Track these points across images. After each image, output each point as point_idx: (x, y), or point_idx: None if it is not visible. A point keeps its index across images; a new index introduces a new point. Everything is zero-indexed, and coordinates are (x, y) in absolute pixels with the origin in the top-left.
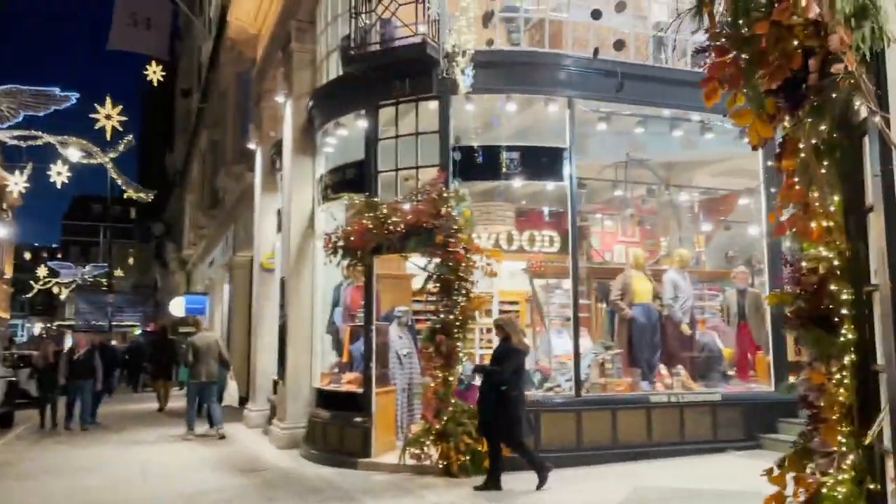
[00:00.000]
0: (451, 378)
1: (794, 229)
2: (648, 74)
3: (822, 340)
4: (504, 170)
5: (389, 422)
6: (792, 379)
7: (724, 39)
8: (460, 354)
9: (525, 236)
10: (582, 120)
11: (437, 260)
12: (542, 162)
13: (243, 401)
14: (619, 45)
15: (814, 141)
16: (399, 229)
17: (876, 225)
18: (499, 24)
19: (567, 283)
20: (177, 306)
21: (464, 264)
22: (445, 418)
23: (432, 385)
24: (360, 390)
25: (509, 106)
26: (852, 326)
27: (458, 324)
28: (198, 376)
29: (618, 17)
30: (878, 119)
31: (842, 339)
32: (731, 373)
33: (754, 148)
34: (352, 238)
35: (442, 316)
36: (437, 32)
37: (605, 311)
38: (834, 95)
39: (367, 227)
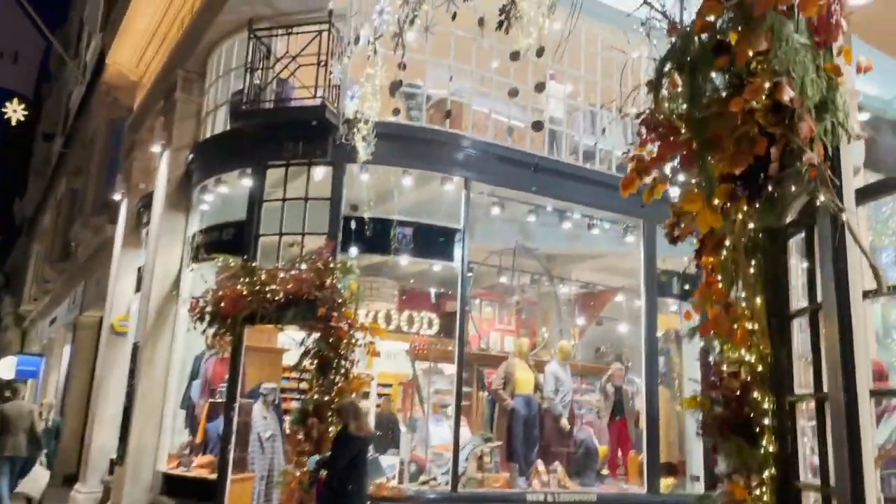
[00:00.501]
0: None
1: (713, 331)
2: (544, 166)
3: (742, 451)
4: (395, 245)
5: None
6: (672, 484)
7: (673, 120)
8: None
9: (404, 316)
10: (476, 203)
11: (317, 335)
12: (434, 240)
13: (72, 480)
14: (511, 131)
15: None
16: (277, 298)
17: (828, 331)
18: (400, 100)
19: (450, 369)
20: (6, 367)
21: (345, 341)
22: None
23: (297, 474)
24: (213, 476)
25: (406, 180)
26: (773, 438)
27: (333, 406)
28: (1, 449)
29: (516, 109)
30: (844, 216)
31: (762, 451)
32: (605, 472)
33: (672, 241)
34: (223, 304)
35: (316, 396)
36: (337, 97)
37: (486, 400)
38: (793, 189)
39: (241, 293)
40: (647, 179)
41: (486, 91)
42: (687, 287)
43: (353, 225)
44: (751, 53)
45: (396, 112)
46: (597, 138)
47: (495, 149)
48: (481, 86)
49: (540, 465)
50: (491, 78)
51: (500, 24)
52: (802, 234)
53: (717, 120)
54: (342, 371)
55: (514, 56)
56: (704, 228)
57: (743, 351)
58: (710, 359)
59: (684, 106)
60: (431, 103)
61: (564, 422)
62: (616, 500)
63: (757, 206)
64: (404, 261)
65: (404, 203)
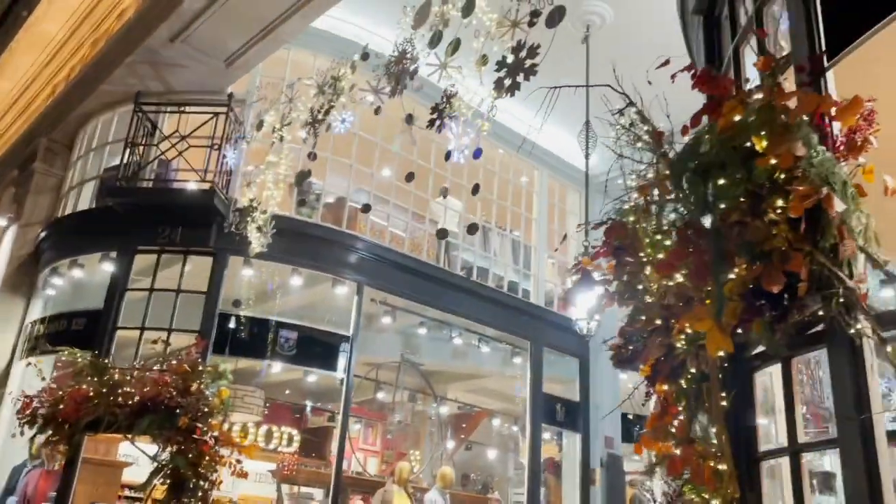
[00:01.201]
0: None
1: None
2: (440, 277)
3: None
4: (276, 349)
5: None
6: None
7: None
8: None
9: (262, 431)
10: (364, 310)
11: (173, 448)
12: (319, 347)
13: None
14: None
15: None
16: (131, 403)
17: (849, 476)
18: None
19: (320, 494)
20: None
21: (208, 458)
22: None
23: None
24: None
25: (294, 279)
26: None
27: None
28: None
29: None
30: (888, 349)
31: None
32: None
33: (619, 365)
34: (62, 405)
35: None
36: (227, 184)
37: None
38: (821, 313)
39: (86, 395)
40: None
41: (385, 197)
42: (565, 415)
43: (229, 324)
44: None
45: (302, 203)
46: (489, 255)
47: (392, 255)
48: (380, 192)
49: None
50: (391, 184)
51: (432, 122)
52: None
53: (741, 230)
54: (200, 493)
55: (409, 177)
56: (714, 351)
57: (706, 495)
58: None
59: (670, 217)
60: (326, 203)
61: None
62: None
63: (768, 328)
64: (277, 368)
65: (288, 304)
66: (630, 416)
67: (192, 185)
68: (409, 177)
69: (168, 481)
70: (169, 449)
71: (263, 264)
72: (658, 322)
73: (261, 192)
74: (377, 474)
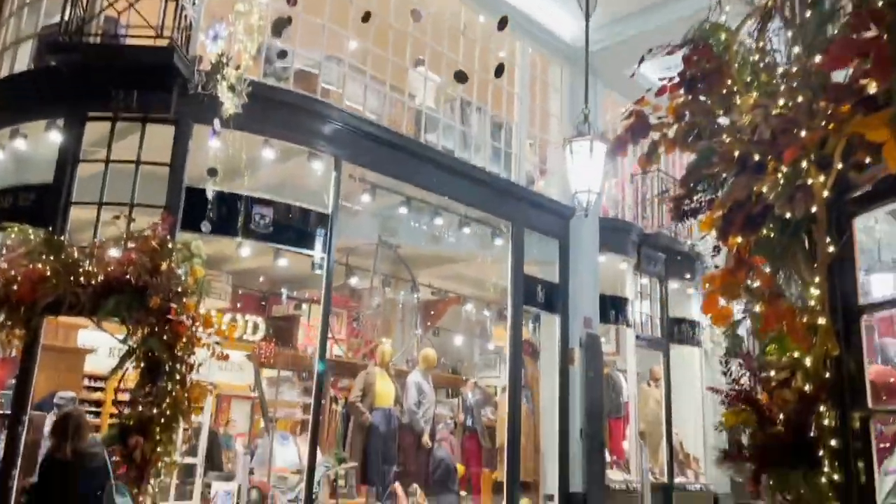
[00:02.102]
0: (141, 498)
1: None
2: (420, 153)
3: (800, 481)
4: (250, 227)
5: None
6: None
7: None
8: (161, 463)
9: (226, 319)
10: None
11: (145, 331)
12: (297, 225)
13: None
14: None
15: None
16: (95, 283)
17: None
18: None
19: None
20: None
21: (185, 341)
22: None
23: None
24: None
25: (266, 152)
26: (837, 464)
27: (163, 420)
28: None
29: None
30: None
31: (823, 481)
32: (463, 493)
33: (681, 217)
34: (16, 287)
35: (141, 409)
36: (187, 41)
37: (341, 414)
38: None
39: (43, 274)
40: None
41: (361, 67)
42: (549, 297)
43: (198, 199)
44: None
45: (283, 55)
46: (469, 129)
47: (370, 127)
48: (356, 61)
49: (398, 488)
50: (368, 50)
51: None
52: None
53: None
54: (178, 377)
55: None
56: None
57: (797, 354)
58: (733, 365)
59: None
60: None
61: (426, 438)
62: None
63: None
64: (245, 251)
65: (261, 180)
66: (617, 298)
67: (147, 43)
68: (366, 17)
69: (141, 365)
70: (140, 332)
71: (232, 135)
72: (742, 162)
73: (230, 47)
74: (355, 358)
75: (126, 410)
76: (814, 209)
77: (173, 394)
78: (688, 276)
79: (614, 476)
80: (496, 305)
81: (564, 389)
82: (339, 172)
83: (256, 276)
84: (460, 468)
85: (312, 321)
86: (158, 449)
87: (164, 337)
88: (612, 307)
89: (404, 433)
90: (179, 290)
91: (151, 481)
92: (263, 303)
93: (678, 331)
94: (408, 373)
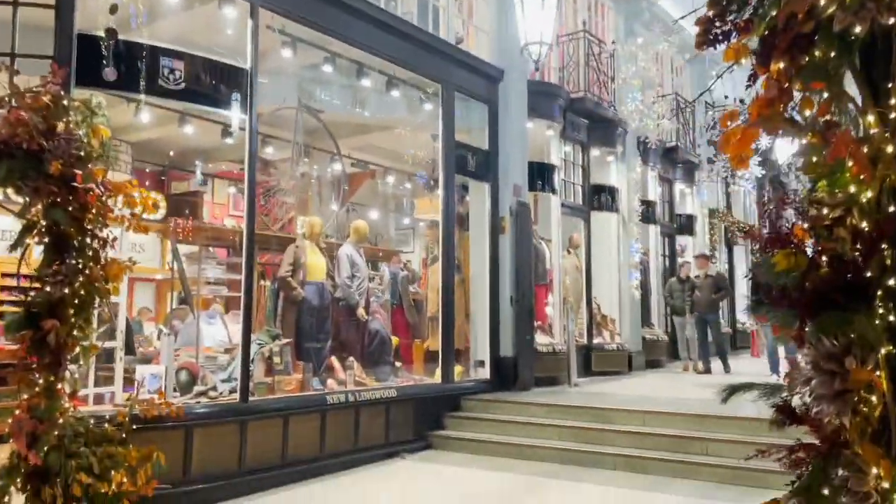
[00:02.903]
0: (59, 385)
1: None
2: (344, 1)
3: (856, 323)
4: (158, 82)
5: None
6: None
7: None
8: (78, 349)
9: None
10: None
11: (47, 200)
12: (214, 82)
13: None
14: None
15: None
16: None
17: None
18: None
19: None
20: None
21: (95, 211)
22: (47, 447)
23: (25, 398)
24: None
25: None
26: (892, 304)
27: (77, 301)
28: None
29: None
30: None
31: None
32: (398, 364)
33: (712, 42)
34: None
35: (49, 289)
36: None
37: (270, 290)
38: None
39: None
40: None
41: None
42: (480, 167)
43: (93, 48)
44: None
45: None
46: None
47: None
48: None
49: (335, 361)
50: None
51: None
52: None
53: None
54: (90, 254)
55: None
56: None
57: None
58: (771, 200)
59: None
60: None
61: (361, 311)
62: (412, 393)
63: None
64: (146, 118)
65: (166, 30)
66: (545, 165)
67: None
68: None
69: (45, 240)
70: (41, 202)
71: None
72: None
73: None
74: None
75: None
76: (893, 20)
77: (86, 272)
78: (609, 143)
79: (540, 340)
80: (421, 177)
81: (495, 258)
82: (255, 21)
83: (156, 148)
84: (395, 339)
85: (217, 198)
86: (75, 332)
87: (70, 208)
88: (538, 175)
89: (337, 307)
90: (82, 154)
91: (70, 367)
92: (163, 178)
93: (598, 198)
94: (338, 246)
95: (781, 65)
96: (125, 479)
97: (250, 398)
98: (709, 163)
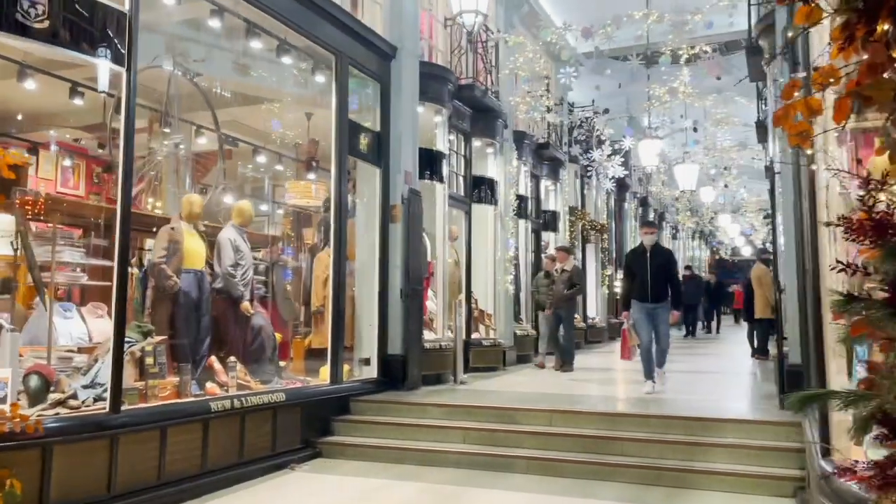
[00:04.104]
0: None
1: None
2: None
3: None
4: (16, 15)
5: None
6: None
7: None
8: None
9: None
10: None
11: None
12: (85, 22)
13: None
14: None
15: None
16: None
17: None
18: None
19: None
20: None
21: None
22: None
23: None
24: None
25: None
26: None
27: None
28: None
29: None
30: None
31: None
32: (282, 364)
33: None
34: None
35: None
36: None
37: (138, 278)
38: None
39: None
40: None
41: None
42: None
43: None
44: None
45: None
46: None
47: None
48: None
49: (215, 362)
50: None
51: None
52: None
53: None
54: None
55: None
56: None
57: None
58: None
59: None
60: None
61: (247, 305)
62: (303, 395)
63: None
64: None
65: None
66: (433, 152)
67: None
68: None
69: None
70: None
71: None
72: None
73: None
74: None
75: None
76: None
77: None
78: (490, 134)
79: (425, 336)
80: (297, 157)
81: (384, 248)
82: None
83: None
84: (278, 336)
85: (42, 172)
86: None
87: None
88: (426, 162)
89: (218, 299)
90: None
91: None
92: None
93: (479, 190)
94: (217, 230)
95: (887, 27)
96: None
97: (122, 407)
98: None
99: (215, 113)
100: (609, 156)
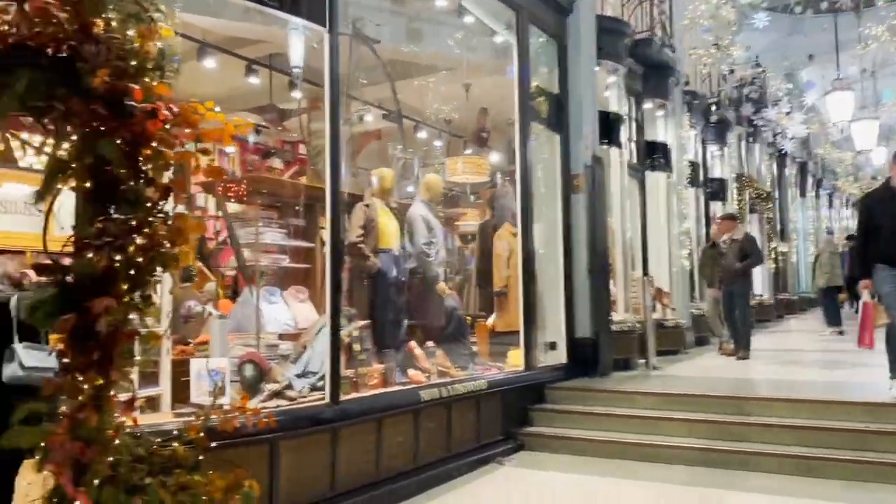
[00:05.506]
0: (112, 392)
1: None
2: None
3: None
4: None
5: None
6: None
7: None
8: (137, 339)
9: None
10: None
11: (83, 130)
12: None
13: None
14: None
15: None
16: None
17: None
18: None
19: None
20: None
21: (155, 145)
22: (99, 480)
23: (67, 411)
24: None
25: None
26: None
27: (132, 273)
28: None
29: None
30: None
31: None
32: (475, 348)
33: None
34: None
35: (91, 256)
36: None
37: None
38: None
39: None
40: None
41: None
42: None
43: None
44: None
45: None
46: None
47: None
48: None
49: (416, 348)
50: None
51: None
52: None
53: None
54: (147, 204)
55: None
56: None
57: None
58: None
59: None
60: None
61: (443, 286)
62: (505, 383)
63: None
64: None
65: None
66: (610, 115)
67: None
68: None
69: (92, 185)
70: (76, 132)
71: None
72: None
73: None
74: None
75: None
76: None
77: (145, 230)
78: (661, 94)
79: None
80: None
81: (567, 222)
82: None
83: None
84: (469, 320)
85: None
86: (130, 316)
87: (120, 140)
88: (603, 127)
89: (412, 280)
90: (133, 63)
91: (127, 368)
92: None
93: (652, 157)
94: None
95: None
96: None
97: (341, 398)
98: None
99: (394, 85)
100: (787, 113)
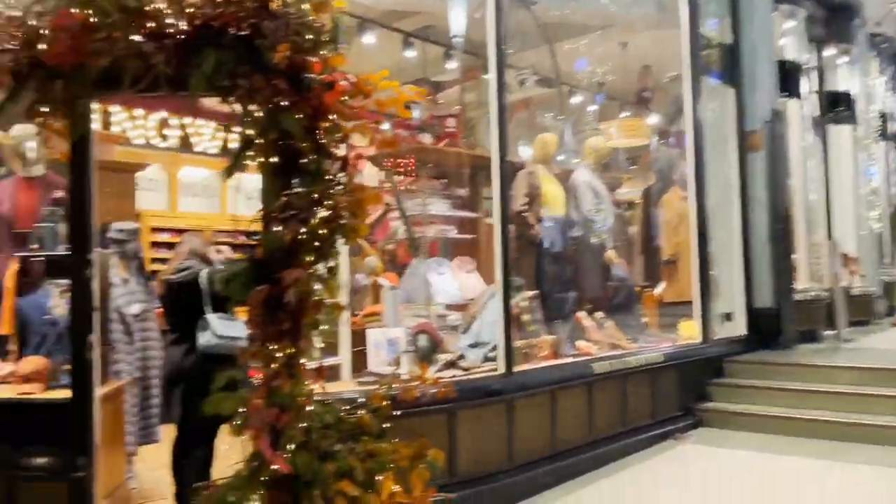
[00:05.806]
0: (302, 360)
1: None
2: None
3: None
4: None
5: (118, 455)
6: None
7: None
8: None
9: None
10: None
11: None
12: None
13: None
14: None
15: None
16: (174, 32)
17: None
18: None
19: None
20: None
21: (332, 119)
22: (293, 447)
23: (261, 379)
24: (66, 395)
25: None
26: None
27: (316, 244)
28: None
29: None
30: None
31: None
32: (644, 320)
33: None
34: (46, 45)
35: (279, 229)
36: None
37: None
38: None
39: (86, 22)
40: None
41: None
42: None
43: None
44: None
45: None
46: None
47: None
48: None
49: (585, 318)
50: None
51: None
52: None
53: None
54: (327, 176)
55: None
56: None
57: None
58: None
59: None
60: None
61: (611, 254)
62: (682, 356)
63: None
64: None
65: None
66: (788, 65)
67: None
68: None
69: (277, 160)
70: (260, 108)
71: None
72: None
73: None
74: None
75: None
76: None
77: (328, 202)
78: (844, 38)
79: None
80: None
81: (743, 183)
82: None
83: None
84: (638, 291)
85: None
86: (316, 287)
87: (306, 113)
88: (780, 77)
89: (581, 249)
90: (309, 37)
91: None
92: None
93: (835, 109)
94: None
95: None
96: (396, 488)
97: (514, 369)
98: None
99: (553, 48)
100: None
